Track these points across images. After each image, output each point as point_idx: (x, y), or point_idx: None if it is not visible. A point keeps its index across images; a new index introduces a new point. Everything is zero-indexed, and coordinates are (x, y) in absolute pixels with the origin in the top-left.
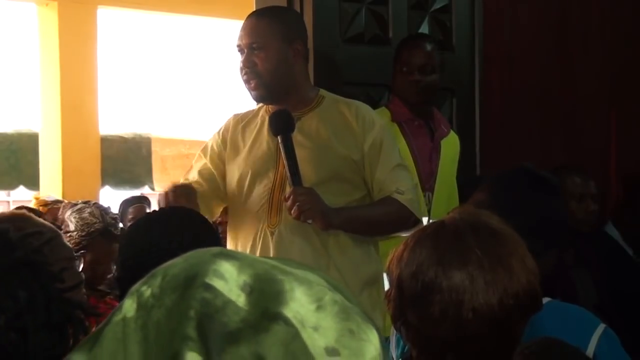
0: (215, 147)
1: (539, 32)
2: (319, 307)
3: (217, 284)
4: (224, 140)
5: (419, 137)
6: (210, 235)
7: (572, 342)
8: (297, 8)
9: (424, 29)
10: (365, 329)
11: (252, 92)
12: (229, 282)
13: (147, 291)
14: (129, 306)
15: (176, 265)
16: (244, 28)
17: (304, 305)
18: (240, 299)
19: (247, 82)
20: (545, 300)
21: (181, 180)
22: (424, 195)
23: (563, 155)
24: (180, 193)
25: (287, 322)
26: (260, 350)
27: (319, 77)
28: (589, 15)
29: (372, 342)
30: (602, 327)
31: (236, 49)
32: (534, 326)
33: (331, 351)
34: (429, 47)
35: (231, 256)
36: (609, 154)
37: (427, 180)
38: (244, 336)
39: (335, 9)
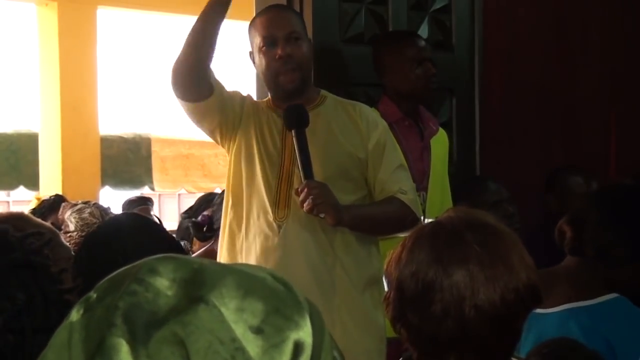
0: (239, 99)
1: (539, 31)
2: (248, 292)
3: (150, 278)
4: (242, 106)
5: (410, 137)
6: (159, 245)
7: (626, 345)
8: (297, 8)
9: (424, 29)
10: (295, 311)
11: (289, 84)
12: (162, 277)
13: (92, 295)
14: (75, 312)
15: (122, 269)
16: (276, 18)
17: (231, 291)
18: (170, 291)
19: (285, 72)
20: (612, 295)
21: None
22: (419, 195)
23: (563, 155)
24: None
25: (208, 303)
26: (179, 330)
27: (319, 77)
28: (589, 15)
29: (299, 324)
30: None
31: (264, 40)
32: (595, 315)
33: (255, 329)
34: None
35: (174, 258)
36: (609, 154)
37: (420, 180)
38: (168, 320)
39: (335, 9)
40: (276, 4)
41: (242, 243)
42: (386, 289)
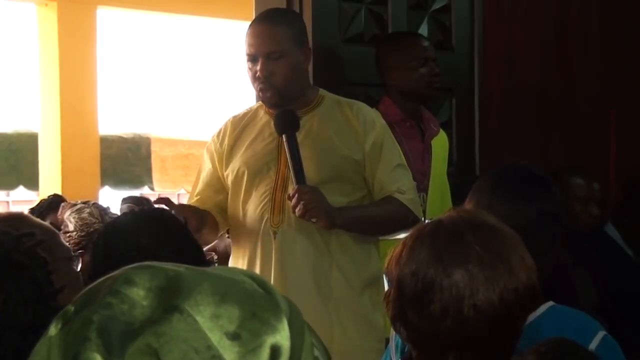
0: (214, 153)
1: (538, 32)
2: (224, 298)
3: (126, 289)
4: (222, 144)
5: (411, 138)
6: (172, 239)
7: None
8: (297, 8)
9: (424, 28)
10: (272, 314)
11: (267, 101)
12: (138, 287)
13: (70, 309)
14: (53, 327)
15: (99, 280)
16: (258, 35)
17: (206, 297)
18: (146, 301)
19: (262, 91)
20: (548, 305)
21: (189, 197)
22: (419, 196)
23: (563, 156)
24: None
25: (182, 312)
26: (153, 341)
27: (319, 77)
28: (588, 15)
29: (276, 328)
30: (600, 334)
31: (246, 56)
32: (533, 330)
33: (232, 336)
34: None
35: (150, 266)
36: (608, 154)
37: (421, 181)
38: (143, 331)
39: (335, 9)
40: (269, 13)
41: (243, 251)
42: (387, 287)
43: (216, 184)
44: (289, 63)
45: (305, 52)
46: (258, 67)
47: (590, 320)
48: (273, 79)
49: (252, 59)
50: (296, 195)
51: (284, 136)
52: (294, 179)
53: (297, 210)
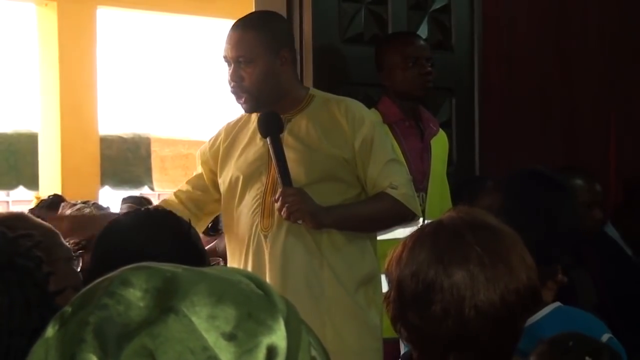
0: (205, 158)
1: (538, 32)
2: (220, 299)
3: (122, 291)
4: (215, 150)
5: (410, 137)
6: (171, 239)
7: None
8: (297, 8)
9: (423, 29)
10: (268, 315)
11: (242, 106)
12: (135, 288)
13: (68, 310)
14: (51, 328)
15: (96, 281)
16: (230, 40)
17: (203, 298)
18: (142, 302)
19: (235, 95)
20: (554, 305)
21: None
22: (418, 196)
23: (563, 156)
24: None
25: (178, 313)
26: (149, 342)
27: (319, 77)
28: (588, 15)
29: (272, 328)
30: (606, 337)
31: (222, 59)
32: (538, 330)
33: (228, 336)
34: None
35: (146, 267)
36: (608, 154)
37: (420, 181)
38: (139, 332)
39: (335, 9)
40: (245, 19)
41: (237, 255)
42: (387, 288)
43: (197, 182)
44: (259, 69)
45: (282, 57)
46: (229, 71)
47: (596, 322)
48: (243, 84)
49: (226, 62)
50: (281, 198)
51: (268, 139)
52: (279, 182)
53: (282, 212)
